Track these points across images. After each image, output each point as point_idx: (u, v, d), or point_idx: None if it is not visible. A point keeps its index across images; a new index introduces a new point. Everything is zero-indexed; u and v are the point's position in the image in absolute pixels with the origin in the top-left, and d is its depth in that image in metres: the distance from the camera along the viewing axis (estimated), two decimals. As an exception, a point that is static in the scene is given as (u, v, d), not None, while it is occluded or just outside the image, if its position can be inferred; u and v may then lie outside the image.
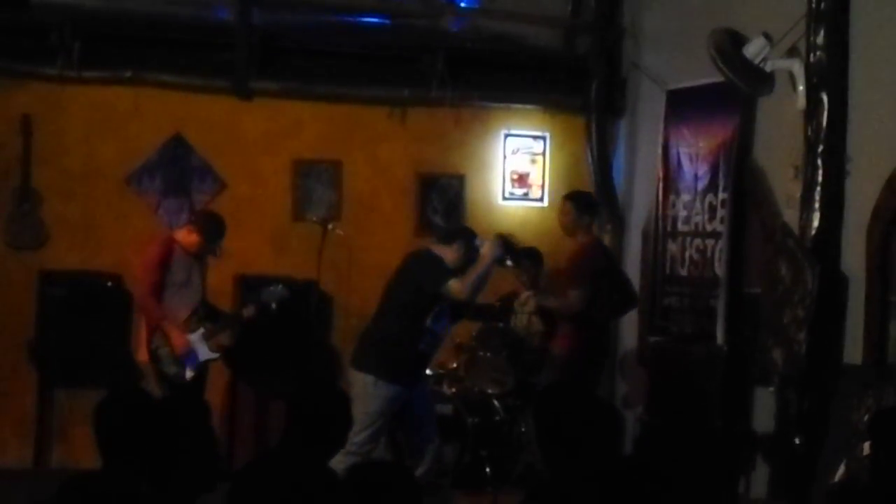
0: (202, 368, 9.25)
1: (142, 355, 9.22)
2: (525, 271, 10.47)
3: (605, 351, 9.62)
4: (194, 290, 9.29)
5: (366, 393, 7.90)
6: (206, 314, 9.33)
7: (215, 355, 9.31)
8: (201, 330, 9.22)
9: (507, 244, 8.50)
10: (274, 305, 9.37)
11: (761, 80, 8.67)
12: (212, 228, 9.41)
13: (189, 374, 9.13)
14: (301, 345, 10.10)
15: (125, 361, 9.73)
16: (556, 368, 9.13)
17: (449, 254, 8.25)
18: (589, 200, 9.67)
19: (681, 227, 10.29)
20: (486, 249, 8.21)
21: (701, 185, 10.03)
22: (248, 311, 9.38)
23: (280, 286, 9.38)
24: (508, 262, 8.44)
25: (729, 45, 8.62)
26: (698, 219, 10.05)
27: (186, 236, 9.34)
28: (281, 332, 10.11)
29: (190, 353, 9.12)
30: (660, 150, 10.51)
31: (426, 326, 8.15)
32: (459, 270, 8.23)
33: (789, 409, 8.52)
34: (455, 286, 8.05)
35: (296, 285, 9.73)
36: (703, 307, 9.93)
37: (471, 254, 8.26)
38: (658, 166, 10.54)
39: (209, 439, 5.11)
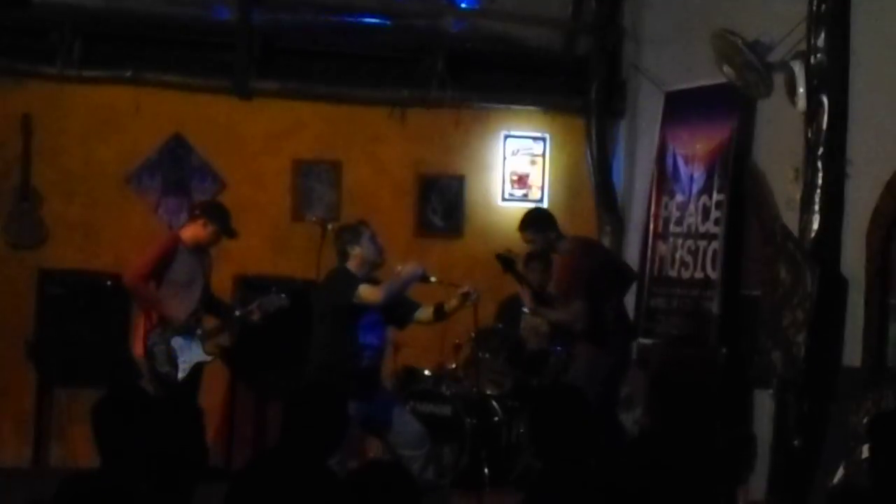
0: (196, 371, 9.18)
1: (137, 350, 9.14)
2: (533, 273, 10.40)
3: (627, 352, 9.40)
4: (197, 290, 9.23)
5: None
6: (208, 312, 9.31)
7: (208, 358, 9.22)
8: (199, 331, 9.19)
9: (506, 261, 8.92)
10: (271, 311, 9.32)
11: (765, 81, 8.67)
12: (222, 214, 9.33)
13: (181, 375, 9.07)
14: (299, 345, 10.08)
15: (124, 360, 9.72)
16: (581, 374, 8.92)
17: (354, 262, 8.30)
18: (536, 217, 9.37)
19: (673, 228, 10.28)
20: (405, 270, 8.33)
21: (696, 186, 10.03)
22: (255, 316, 9.29)
23: (283, 295, 9.29)
24: (432, 279, 8.52)
25: (731, 46, 8.62)
26: (691, 220, 10.05)
27: (199, 230, 9.17)
28: (280, 332, 10.10)
29: (186, 329, 9.07)
30: (655, 152, 10.52)
31: (359, 342, 8.19)
32: (373, 266, 8.34)
33: (788, 412, 8.52)
34: (366, 292, 8.13)
35: (295, 285, 9.72)
36: (691, 308, 9.92)
37: (375, 248, 8.36)
38: (653, 167, 10.56)
39: (200, 436, 5.11)
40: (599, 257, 9.40)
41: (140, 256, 9.24)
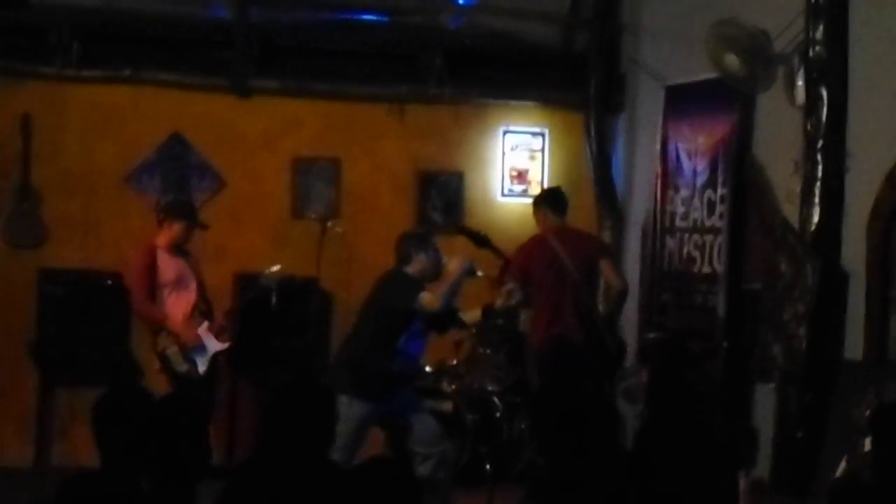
0: (214, 362, 9.28)
1: (156, 364, 9.24)
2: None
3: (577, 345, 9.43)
4: (188, 286, 9.29)
5: (341, 413, 7.75)
6: (208, 307, 9.36)
7: (224, 345, 9.33)
8: (206, 323, 9.24)
9: (472, 235, 8.88)
10: (274, 288, 9.41)
11: (770, 69, 8.67)
12: (184, 208, 9.45)
13: (202, 368, 9.16)
14: (301, 343, 10.10)
15: (125, 359, 9.74)
16: (530, 361, 9.36)
17: (414, 268, 8.26)
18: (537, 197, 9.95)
19: (679, 223, 10.28)
20: (454, 265, 8.26)
21: (700, 180, 10.02)
22: (251, 295, 9.40)
23: (273, 269, 9.40)
24: (479, 273, 8.47)
25: (741, 30, 8.62)
26: (697, 214, 10.05)
27: (168, 232, 9.28)
28: (281, 330, 10.11)
29: (200, 344, 9.14)
30: (658, 146, 10.51)
31: (398, 348, 8.19)
32: (430, 277, 8.29)
33: (790, 405, 8.52)
34: (427, 298, 8.07)
35: (296, 283, 9.74)
36: (700, 303, 9.92)
37: (436, 261, 8.32)
38: (657, 162, 10.54)
39: (204, 435, 5.10)
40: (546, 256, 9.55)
41: (129, 278, 9.34)
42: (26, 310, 10.31)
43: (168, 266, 9.22)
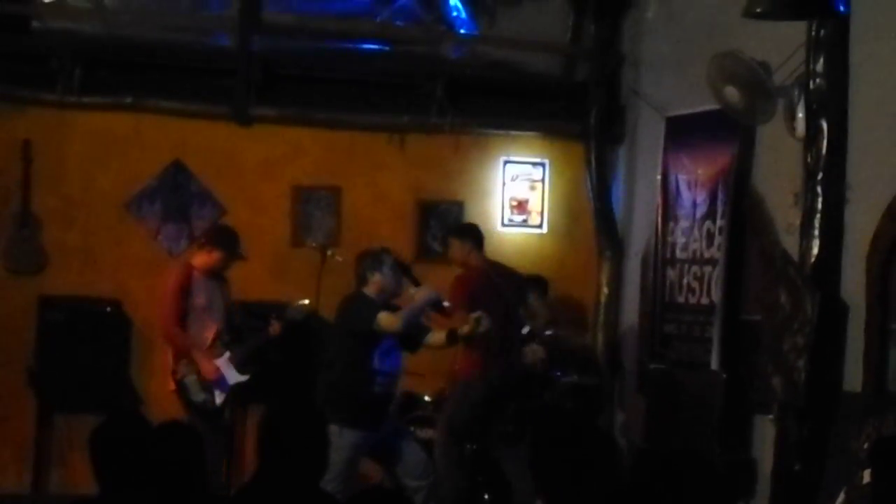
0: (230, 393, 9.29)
1: (169, 385, 9.21)
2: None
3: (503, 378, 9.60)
4: (217, 313, 9.28)
5: (332, 443, 7.74)
6: (231, 337, 9.33)
7: (244, 378, 9.29)
8: (227, 354, 9.21)
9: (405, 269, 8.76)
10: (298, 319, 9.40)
11: (771, 102, 8.68)
12: (228, 239, 9.44)
13: (219, 400, 9.13)
14: (300, 371, 10.07)
15: (124, 387, 9.72)
16: (456, 395, 9.41)
17: (372, 288, 8.35)
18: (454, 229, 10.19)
19: (679, 254, 10.29)
20: (420, 294, 8.42)
21: (699, 212, 10.03)
22: (274, 329, 9.37)
23: (303, 302, 9.40)
24: (446, 304, 8.57)
25: (741, 64, 8.63)
26: (696, 246, 10.06)
27: (206, 257, 9.32)
28: (280, 358, 10.09)
29: (221, 379, 9.12)
30: (659, 177, 10.52)
31: (374, 368, 8.21)
32: (391, 294, 8.41)
33: (789, 437, 8.50)
34: (385, 319, 8.18)
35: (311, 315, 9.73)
36: (700, 334, 9.92)
37: (395, 277, 8.43)
38: (657, 193, 10.55)
39: (202, 462, 5.09)
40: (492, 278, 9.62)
41: (161, 297, 9.30)
42: (25, 336, 10.28)
43: (201, 289, 9.20)
